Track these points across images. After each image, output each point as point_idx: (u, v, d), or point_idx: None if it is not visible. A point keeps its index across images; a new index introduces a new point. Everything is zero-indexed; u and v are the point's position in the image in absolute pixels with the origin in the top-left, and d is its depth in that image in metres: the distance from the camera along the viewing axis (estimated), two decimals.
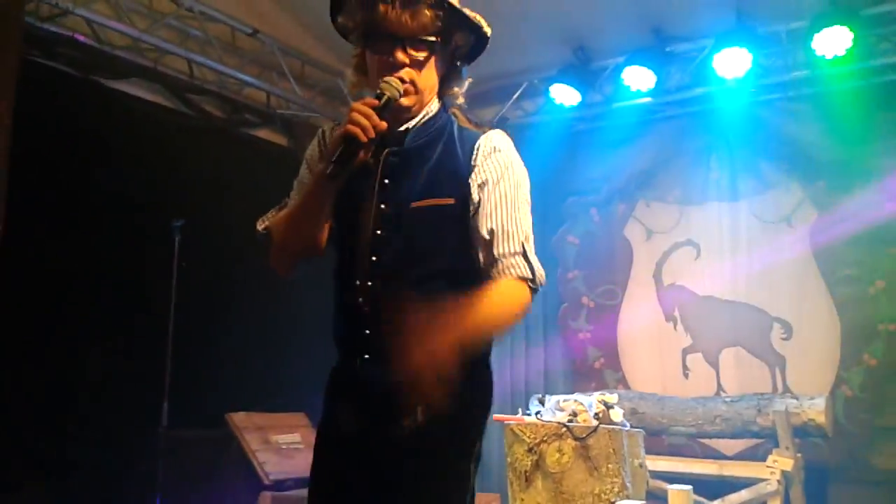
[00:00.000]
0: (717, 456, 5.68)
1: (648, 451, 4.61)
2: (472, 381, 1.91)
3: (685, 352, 6.24)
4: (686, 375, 6.21)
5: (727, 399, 5.47)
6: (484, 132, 1.97)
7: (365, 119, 1.73)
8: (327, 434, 2.03)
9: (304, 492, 5.09)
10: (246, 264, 5.44)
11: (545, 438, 4.32)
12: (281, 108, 6.28)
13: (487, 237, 1.89)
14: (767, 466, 4.94)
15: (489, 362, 2.02)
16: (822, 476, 5.32)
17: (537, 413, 4.54)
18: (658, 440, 5.63)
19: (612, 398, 4.47)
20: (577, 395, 4.58)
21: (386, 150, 1.93)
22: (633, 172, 6.59)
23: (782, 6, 5.39)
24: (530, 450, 4.33)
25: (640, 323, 6.48)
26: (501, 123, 6.55)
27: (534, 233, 1.97)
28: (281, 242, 1.98)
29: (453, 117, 2.01)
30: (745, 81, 5.64)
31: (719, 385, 6.05)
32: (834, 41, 5.16)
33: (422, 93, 1.92)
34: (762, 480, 4.93)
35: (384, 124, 1.78)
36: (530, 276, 1.89)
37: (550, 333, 6.76)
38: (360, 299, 1.92)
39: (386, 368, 1.78)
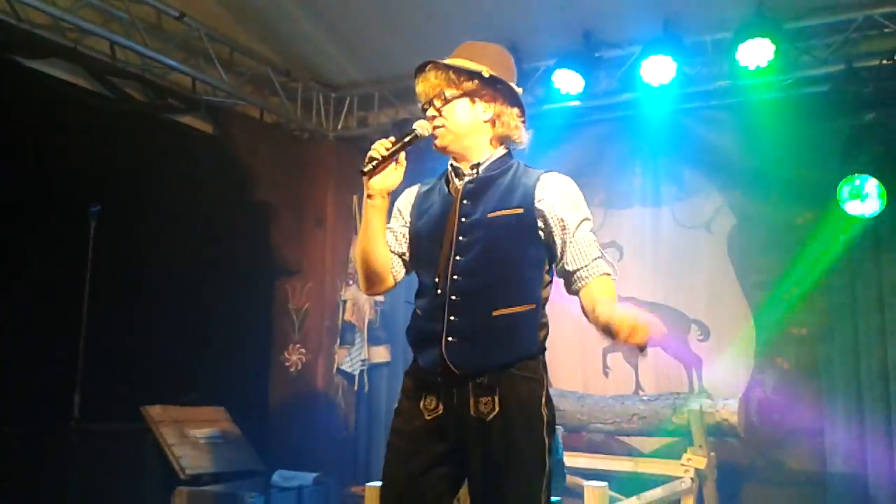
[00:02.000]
0: (633, 453, 5.79)
1: (568, 448, 4.66)
2: (529, 360, 2.35)
3: (606, 351, 6.34)
4: (606, 374, 6.31)
5: (644, 398, 5.59)
6: (546, 171, 2.47)
7: (379, 146, 2.32)
8: (413, 421, 2.35)
9: (221, 487, 5.00)
10: (165, 253, 5.33)
11: None
12: (207, 95, 6.12)
13: (570, 253, 2.37)
14: (682, 465, 5.05)
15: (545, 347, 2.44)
16: (734, 475, 5.48)
17: None
18: (577, 437, 5.72)
19: None
20: None
21: (464, 181, 2.44)
22: (560, 173, 6.66)
23: (708, 17, 5.52)
24: None
25: (563, 322, 6.47)
26: None
27: None
28: (358, 266, 2.49)
29: (519, 161, 2.51)
30: (669, 89, 5.73)
31: (638, 384, 6.17)
32: (757, 53, 5.29)
33: (454, 133, 2.43)
34: (677, 478, 5.03)
35: (397, 146, 2.34)
36: (610, 271, 2.39)
37: None
38: (450, 294, 2.31)
39: (469, 348, 2.28)
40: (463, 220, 2.37)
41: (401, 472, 2.33)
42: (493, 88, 2.44)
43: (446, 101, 2.42)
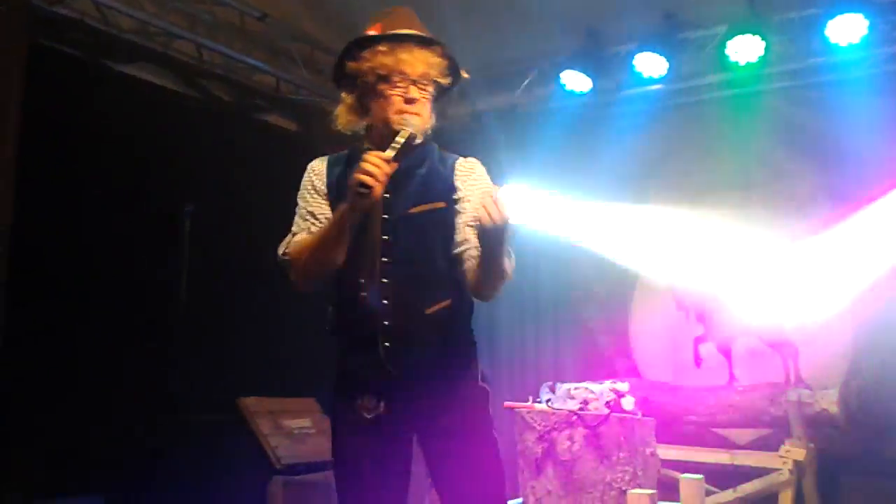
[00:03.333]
0: (728, 445, 5.64)
1: (660, 440, 4.58)
2: (463, 347, 2.38)
3: (697, 341, 6.21)
4: (698, 364, 6.18)
5: (740, 388, 5.45)
6: (459, 158, 2.38)
7: (376, 168, 2.04)
8: (352, 421, 2.31)
9: (316, 476, 5.07)
10: (257, 248, 5.41)
11: (556, 426, 4.30)
12: (290, 93, 6.24)
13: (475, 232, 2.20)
14: (780, 456, 4.90)
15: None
16: (834, 467, 5.28)
17: (548, 401, 4.51)
18: (669, 429, 5.60)
19: (623, 386, 4.44)
20: (587, 384, 4.55)
21: None
22: (644, 160, 6.53)
23: None
24: (541, 437, 4.31)
25: (652, 312, 6.44)
26: (512, 111, 6.50)
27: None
28: (304, 268, 2.27)
29: (434, 145, 2.38)
30: (757, 68, 5.57)
31: (732, 374, 6.02)
32: (848, 28, 5.10)
33: (423, 127, 2.27)
34: (774, 470, 4.89)
35: (394, 166, 2.09)
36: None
37: (561, 321, 6.72)
38: (381, 297, 2.24)
39: (407, 349, 2.24)
40: (385, 216, 2.25)
41: (360, 481, 2.30)
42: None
43: (432, 90, 2.29)
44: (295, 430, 5.24)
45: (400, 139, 2.14)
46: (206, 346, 5.00)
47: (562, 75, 6.02)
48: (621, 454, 4.08)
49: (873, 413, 5.44)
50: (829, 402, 4.93)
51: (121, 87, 5.18)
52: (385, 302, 2.24)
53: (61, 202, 4.71)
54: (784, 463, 4.85)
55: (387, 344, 2.24)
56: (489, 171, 2.48)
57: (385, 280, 2.24)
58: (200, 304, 4.84)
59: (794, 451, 4.86)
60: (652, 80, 5.87)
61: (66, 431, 4.53)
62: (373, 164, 2.05)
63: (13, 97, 4.30)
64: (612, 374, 6.11)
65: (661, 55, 5.69)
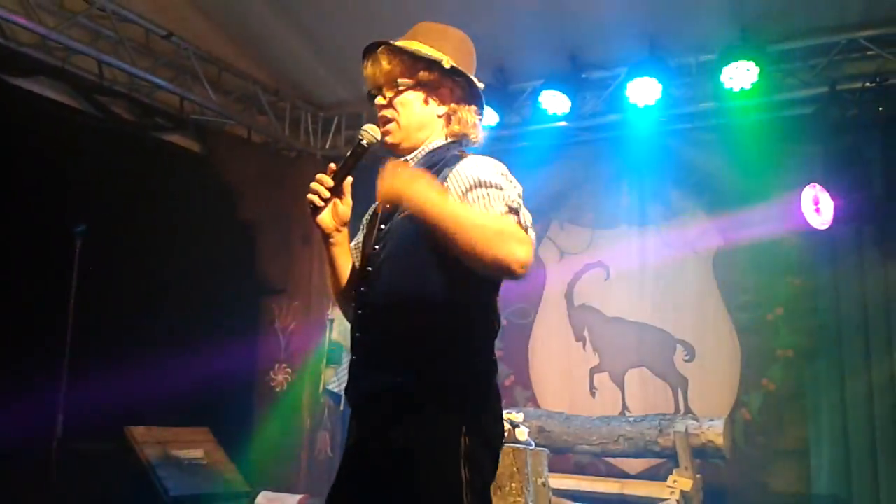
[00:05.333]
0: (620, 475, 5.77)
1: (554, 470, 4.66)
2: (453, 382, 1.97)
3: (593, 371, 6.35)
4: (593, 394, 6.31)
5: (631, 419, 5.59)
6: (469, 158, 2.06)
7: (318, 186, 2.05)
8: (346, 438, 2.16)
9: None
10: (150, 272, 5.30)
11: None
12: (194, 114, 6.13)
13: None
14: (668, 486, 5.05)
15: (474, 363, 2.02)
16: (720, 497, 5.47)
17: None
18: (564, 458, 5.71)
19: (517, 417, 4.50)
20: None
21: None
22: (547, 194, 6.67)
23: (693, 39, 5.58)
24: None
25: (550, 342, 6.56)
26: None
27: None
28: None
29: (458, 154, 2.10)
30: (655, 110, 5.78)
31: (624, 405, 6.17)
32: (741, 75, 5.35)
33: (405, 129, 2.12)
34: (662, 500, 5.03)
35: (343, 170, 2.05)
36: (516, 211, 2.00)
37: None
38: (358, 307, 2.10)
39: (371, 367, 2.02)
40: (382, 226, 2.10)
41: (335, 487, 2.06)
42: (452, 81, 2.14)
43: (399, 92, 2.11)
44: (185, 460, 5.10)
45: (353, 149, 2.09)
46: (93, 371, 4.81)
47: None
48: (513, 485, 4.13)
49: (757, 445, 5.67)
50: (715, 433, 5.10)
51: (15, 101, 5.00)
52: (360, 312, 2.08)
53: None
54: (672, 493, 5.00)
55: (355, 357, 2.07)
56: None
57: (363, 289, 2.08)
58: (89, 328, 4.68)
59: (681, 482, 5.01)
60: (556, 118, 6.02)
61: None
62: (316, 181, 2.06)
63: None
64: (511, 404, 6.20)
65: (564, 94, 5.84)
